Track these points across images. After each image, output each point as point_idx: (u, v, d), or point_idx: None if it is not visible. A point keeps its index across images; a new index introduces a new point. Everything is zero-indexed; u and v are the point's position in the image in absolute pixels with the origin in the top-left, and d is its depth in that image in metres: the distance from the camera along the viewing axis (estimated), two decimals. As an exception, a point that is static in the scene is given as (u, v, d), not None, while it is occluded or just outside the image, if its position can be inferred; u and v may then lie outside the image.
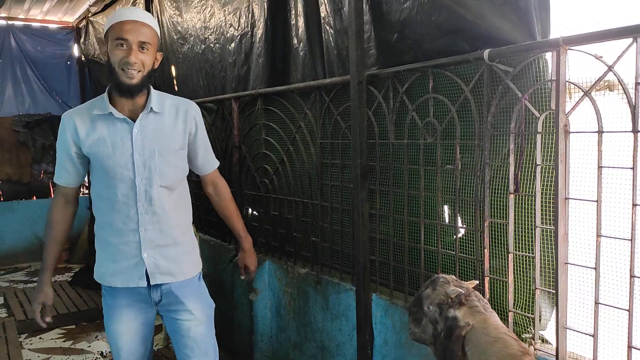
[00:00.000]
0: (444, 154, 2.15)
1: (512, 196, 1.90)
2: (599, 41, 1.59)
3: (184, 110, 2.08)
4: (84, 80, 7.13)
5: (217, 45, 3.85)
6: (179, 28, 4.39)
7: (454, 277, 1.65)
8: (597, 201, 1.66)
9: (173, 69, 4.63)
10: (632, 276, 1.60)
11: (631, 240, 1.59)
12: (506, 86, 1.86)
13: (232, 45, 3.62)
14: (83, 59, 7.05)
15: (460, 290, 1.44)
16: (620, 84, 1.56)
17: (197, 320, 2.11)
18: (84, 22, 6.78)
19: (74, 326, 4.43)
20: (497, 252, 1.99)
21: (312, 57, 2.93)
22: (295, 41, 3.06)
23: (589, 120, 1.66)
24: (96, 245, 2.10)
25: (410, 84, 2.24)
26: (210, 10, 3.89)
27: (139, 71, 1.91)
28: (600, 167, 1.64)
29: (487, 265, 2.00)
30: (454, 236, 2.14)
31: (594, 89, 1.63)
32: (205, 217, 4.15)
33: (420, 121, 2.22)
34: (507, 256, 1.93)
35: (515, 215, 1.91)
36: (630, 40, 1.52)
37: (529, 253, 1.88)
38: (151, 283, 2.03)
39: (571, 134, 1.71)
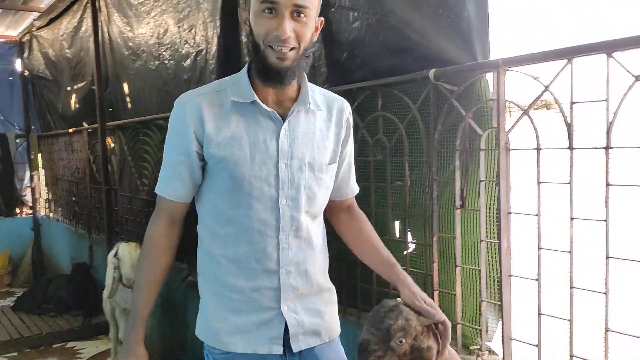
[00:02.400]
0: (393, 171, 2.19)
1: (458, 211, 1.96)
2: (536, 62, 1.68)
3: (338, 109, 1.50)
4: (27, 97, 6.89)
5: (172, 62, 3.81)
6: (130, 44, 4.32)
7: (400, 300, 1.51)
8: (537, 215, 1.73)
9: (125, 86, 4.56)
10: (571, 287, 1.67)
11: (570, 252, 1.66)
12: (451, 105, 1.92)
13: (187, 62, 3.60)
14: (27, 74, 6.83)
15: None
16: (557, 103, 1.64)
17: None
18: (27, 37, 6.58)
19: (16, 354, 4.22)
20: (446, 266, 2.04)
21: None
22: (247, 59, 3.07)
23: (528, 138, 1.73)
24: (205, 288, 1.48)
25: (360, 101, 2.29)
26: (164, 26, 3.86)
27: (293, 48, 1.31)
28: (539, 183, 1.72)
29: (436, 279, 2.04)
30: (405, 251, 2.18)
31: (532, 108, 1.71)
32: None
33: (370, 139, 2.26)
34: (455, 270, 1.97)
35: (462, 229, 1.96)
36: (565, 61, 1.61)
37: (475, 266, 1.94)
38: (294, 349, 1.43)
39: (511, 150, 1.78)
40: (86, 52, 5.13)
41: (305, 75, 1.43)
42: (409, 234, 2.19)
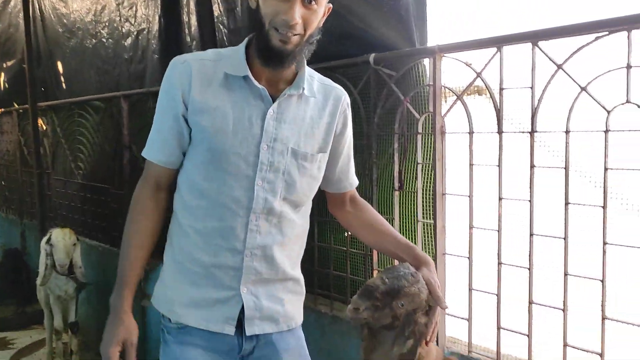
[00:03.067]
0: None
1: (396, 193, 2.03)
2: (469, 49, 1.76)
3: (335, 99, 1.45)
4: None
5: (111, 40, 3.69)
6: (65, 21, 4.15)
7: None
8: (469, 196, 1.83)
9: (60, 64, 4.37)
10: (499, 263, 1.77)
11: (499, 230, 1.76)
12: (390, 89, 1.98)
13: (128, 41, 3.50)
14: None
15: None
16: (487, 89, 1.73)
17: None
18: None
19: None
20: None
21: (205, 56, 2.91)
22: (188, 39, 3.03)
23: (462, 122, 1.82)
24: (169, 256, 1.45)
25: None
26: (101, 3, 3.73)
27: (298, 34, 1.27)
28: (471, 165, 1.81)
29: (375, 259, 2.11)
30: (345, 233, 2.24)
31: (465, 94, 1.79)
32: (93, 221, 3.95)
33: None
34: (393, 249, 2.05)
35: (399, 210, 2.04)
36: (495, 49, 1.69)
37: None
38: (247, 332, 1.40)
39: (447, 134, 1.87)
40: (16, 29, 4.88)
41: (305, 61, 1.38)
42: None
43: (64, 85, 4.36)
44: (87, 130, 3.96)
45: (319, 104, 1.42)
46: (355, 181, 1.59)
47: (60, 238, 3.22)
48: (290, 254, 1.45)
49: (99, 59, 3.84)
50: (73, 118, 4.10)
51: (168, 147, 1.37)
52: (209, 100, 1.33)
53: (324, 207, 2.25)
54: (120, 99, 3.40)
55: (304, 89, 1.37)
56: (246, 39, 1.38)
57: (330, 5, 1.37)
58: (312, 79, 1.42)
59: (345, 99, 1.48)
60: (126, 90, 3.54)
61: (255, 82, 1.33)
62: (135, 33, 3.42)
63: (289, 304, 1.47)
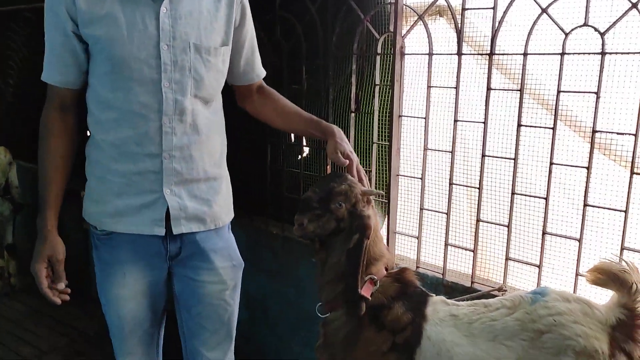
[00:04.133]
0: (289, 75, 2.19)
1: (352, 115, 2.03)
2: (433, -33, 1.72)
3: None
4: None
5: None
6: None
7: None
8: (425, 118, 1.86)
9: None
10: (451, 184, 1.84)
11: (452, 152, 1.81)
12: (350, 7, 1.93)
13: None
14: None
15: (372, 191, 1.49)
16: (449, 9, 1.72)
17: (223, 283, 1.56)
18: None
19: None
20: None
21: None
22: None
23: (422, 44, 1.82)
24: (89, 172, 1.47)
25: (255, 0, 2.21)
26: None
27: None
28: (429, 87, 1.82)
29: (328, 180, 2.13)
30: (299, 155, 2.24)
31: (427, 14, 1.78)
32: (28, 141, 3.74)
33: (268, 40, 2.22)
34: (347, 171, 2.07)
35: (355, 132, 2.05)
36: (459, -32, 1.68)
37: (366, 168, 2.05)
38: (174, 232, 1.44)
39: (406, 55, 1.86)
40: None
41: None
42: (303, 138, 2.24)
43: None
44: (16, 44, 3.66)
45: None
46: (262, 72, 1.62)
47: (-6, 157, 3.07)
48: (210, 152, 1.48)
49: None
50: (0, 31, 3.78)
51: (64, 66, 1.36)
52: (96, 8, 1.30)
53: (275, 129, 2.23)
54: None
55: None
56: None
57: None
58: None
59: None
60: None
61: None
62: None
63: (215, 204, 1.51)
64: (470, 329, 1.29)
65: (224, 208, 1.55)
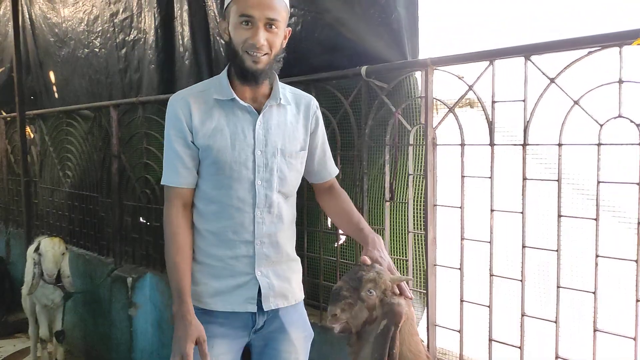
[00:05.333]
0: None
1: (387, 204, 2.03)
2: (461, 63, 1.76)
3: (305, 105, 1.72)
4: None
5: (104, 50, 3.67)
6: (56, 30, 4.12)
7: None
8: (461, 207, 1.83)
9: (51, 74, 4.34)
10: (491, 275, 1.77)
11: (490, 242, 1.76)
12: (381, 101, 1.98)
13: (123, 51, 3.49)
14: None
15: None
16: (479, 102, 1.73)
17: (296, 352, 1.72)
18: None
19: None
20: (375, 257, 2.10)
21: (197, 66, 2.91)
22: (182, 49, 3.02)
23: (454, 134, 1.82)
24: (195, 259, 1.68)
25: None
26: (94, 13, 3.71)
27: (266, 54, 1.55)
28: (463, 177, 1.81)
29: (366, 270, 2.09)
30: (335, 243, 2.23)
31: (457, 106, 1.80)
32: (81, 229, 3.91)
33: (304, 132, 2.29)
34: (384, 261, 2.04)
35: (390, 221, 2.03)
36: (487, 63, 1.70)
37: (403, 257, 2.01)
38: (264, 308, 1.64)
39: (438, 146, 1.87)
40: (4, 37, 4.83)
41: (277, 76, 1.64)
42: (340, 226, 2.24)
43: (56, 95, 4.33)
44: (76, 138, 3.92)
45: (293, 110, 1.69)
46: (334, 170, 1.84)
47: (50, 247, 3.20)
48: (290, 237, 1.73)
49: (90, 68, 3.82)
50: (62, 127, 4.07)
51: (185, 169, 1.62)
52: (207, 123, 1.60)
53: (312, 216, 2.25)
54: (109, 108, 3.38)
55: (280, 99, 1.64)
56: (225, 68, 1.66)
57: (290, 29, 1.65)
58: (285, 90, 1.69)
59: (314, 103, 1.75)
60: (120, 99, 3.54)
61: (241, 101, 1.60)
62: (131, 43, 3.42)
63: (294, 282, 1.74)
64: None
65: (299, 285, 1.77)
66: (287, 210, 1.69)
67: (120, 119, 3.37)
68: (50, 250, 3.19)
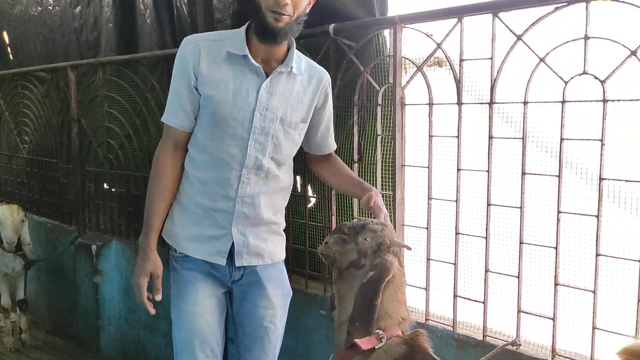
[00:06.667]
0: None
1: (356, 165, 2.02)
2: (430, 20, 1.75)
3: (318, 79, 1.72)
4: None
5: (57, 7, 3.50)
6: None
7: None
8: (428, 167, 1.84)
9: (5, 34, 4.13)
10: (457, 233, 1.80)
11: (456, 201, 1.79)
12: (350, 60, 1.95)
13: (78, 8, 3.33)
14: None
15: (402, 243, 1.53)
16: (447, 60, 1.73)
17: (273, 308, 1.79)
18: None
19: None
20: (344, 218, 2.11)
21: (159, 24, 2.81)
22: (142, 7, 2.90)
23: (422, 94, 1.82)
24: (177, 200, 1.74)
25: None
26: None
27: (288, 15, 1.54)
28: (431, 136, 1.81)
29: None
30: (305, 205, 2.22)
31: (426, 65, 1.79)
32: (41, 197, 3.79)
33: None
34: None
35: (359, 182, 2.03)
36: (455, 20, 1.69)
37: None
38: (236, 264, 1.71)
39: (406, 106, 1.86)
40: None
41: (294, 43, 1.64)
42: (309, 188, 2.23)
43: (10, 56, 4.13)
44: (32, 102, 3.77)
45: (304, 81, 1.69)
46: (333, 146, 1.87)
47: (8, 215, 3.12)
48: (273, 203, 1.75)
49: (45, 27, 3.64)
50: (17, 90, 3.90)
51: (183, 112, 1.65)
52: (214, 73, 1.61)
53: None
54: (67, 69, 3.24)
55: (292, 67, 1.63)
56: (246, 23, 1.64)
57: None
58: (300, 60, 1.69)
59: (327, 79, 1.76)
60: (76, 60, 3.39)
61: (253, 60, 1.60)
62: (86, 0, 3.26)
63: (271, 243, 1.78)
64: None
65: (278, 246, 1.82)
66: (277, 177, 1.72)
67: (79, 81, 3.24)
68: (9, 218, 3.11)
